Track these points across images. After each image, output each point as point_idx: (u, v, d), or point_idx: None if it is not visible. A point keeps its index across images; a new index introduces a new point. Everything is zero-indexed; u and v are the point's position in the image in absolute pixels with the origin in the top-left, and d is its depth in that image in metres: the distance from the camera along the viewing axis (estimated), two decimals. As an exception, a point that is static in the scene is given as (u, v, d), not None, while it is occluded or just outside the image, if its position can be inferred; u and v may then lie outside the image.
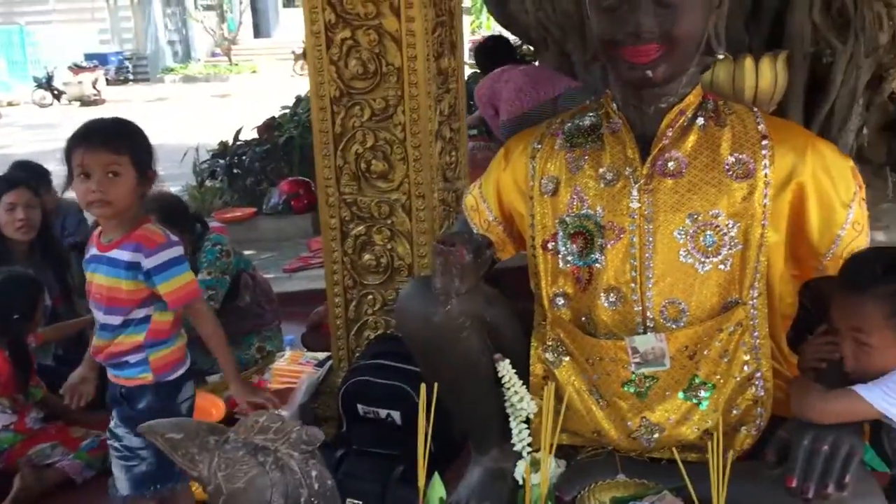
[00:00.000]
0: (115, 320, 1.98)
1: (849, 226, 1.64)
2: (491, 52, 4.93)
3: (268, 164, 6.03)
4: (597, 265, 1.69)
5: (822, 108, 4.46)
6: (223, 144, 6.36)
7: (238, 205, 6.03)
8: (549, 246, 1.75)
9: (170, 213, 3.23)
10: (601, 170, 1.70)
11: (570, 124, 1.79)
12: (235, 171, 6.18)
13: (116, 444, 1.99)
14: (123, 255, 1.95)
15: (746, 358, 1.66)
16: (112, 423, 2.03)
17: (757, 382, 1.67)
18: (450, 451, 2.19)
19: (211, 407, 2.81)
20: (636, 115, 1.69)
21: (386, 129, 2.40)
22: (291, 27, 27.31)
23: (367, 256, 2.50)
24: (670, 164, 1.66)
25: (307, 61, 2.48)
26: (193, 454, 1.21)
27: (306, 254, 5.01)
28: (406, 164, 2.40)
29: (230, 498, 1.17)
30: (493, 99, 4.41)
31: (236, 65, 23.09)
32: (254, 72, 22.40)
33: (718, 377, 1.66)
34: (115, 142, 1.94)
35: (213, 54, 25.04)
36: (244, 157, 6.14)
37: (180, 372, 2.05)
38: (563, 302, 1.76)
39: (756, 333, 1.67)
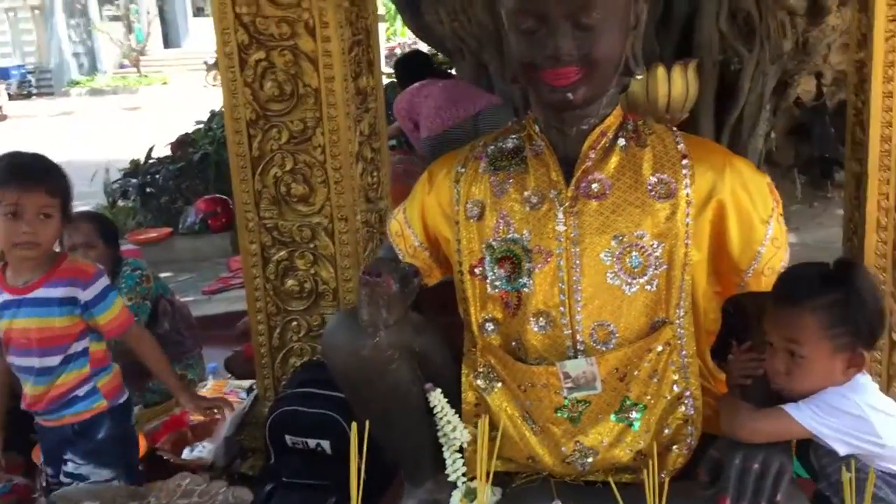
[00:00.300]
0: (54, 360, 1.96)
1: (768, 242, 1.66)
2: (410, 66, 4.91)
3: (182, 182, 5.87)
4: (525, 289, 1.67)
5: (731, 114, 4.60)
6: (135, 163, 6.18)
7: (152, 225, 5.85)
8: (477, 271, 1.73)
9: (106, 230, 3.17)
10: (526, 193, 1.69)
11: (493, 147, 1.78)
12: (149, 189, 6.00)
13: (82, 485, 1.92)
14: (54, 291, 1.95)
15: (675, 377, 1.67)
16: (69, 467, 1.97)
17: (686, 401, 1.68)
18: (382, 479, 2.15)
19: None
20: (558, 137, 1.69)
21: (305, 151, 2.35)
22: (202, 36, 26.77)
23: (290, 282, 2.44)
24: (594, 185, 1.65)
25: (221, 83, 2.40)
26: (112, 522, 1.14)
27: (226, 274, 4.89)
28: (327, 187, 2.35)
29: (154, 567, 1.11)
30: (412, 113, 4.39)
31: (146, 76, 22.54)
32: (164, 83, 21.91)
33: (649, 397, 1.67)
34: (50, 183, 1.94)
35: (121, 66, 24.37)
36: (157, 176, 5.97)
37: (126, 394, 2.11)
38: (492, 327, 1.74)
39: (684, 352, 1.68)
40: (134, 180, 6.09)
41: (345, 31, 2.30)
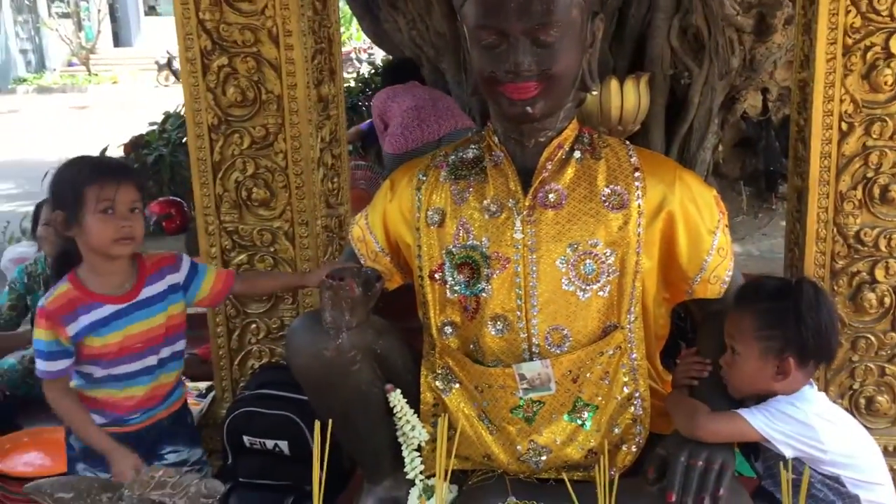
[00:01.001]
0: (156, 359, 2.01)
1: (714, 251, 1.75)
2: (397, 74, 4.85)
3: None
4: (483, 294, 1.73)
5: (681, 127, 4.74)
6: (87, 163, 6.11)
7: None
8: (437, 276, 1.79)
9: None
10: (485, 202, 1.75)
11: (453, 157, 1.84)
12: None
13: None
14: (157, 287, 1.99)
15: (626, 379, 1.75)
16: (171, 458, 2.05)
17: (636, 402, 1.76)
18: (339, 481, 2.19)
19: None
20: (517, 148, 1.75)
21: (267, 156, 2.37)
22: (154, 36, 26.42)
23: (249, 285, 2.47)
24: (551, 195, 1.72)
25: (182, 86, 2.42)
26: (86, 514, 1.17)
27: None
28: (288, 192, 2.39)
29: (128, 557, 1.15)
30: (384, 114, 4.43)
31: (95, 75, 22.14)
32: (114, 82, 21.55)
33: (600, 398, 1.74)
34: (136, 178, 1.99)
35: (70, 64, 23.90)
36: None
37: None
38: (451, 330, 1.80)
39: (634, 355, 1.76)
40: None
41: (308, 40, 2.34)
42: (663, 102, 4.66)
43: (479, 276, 1.74)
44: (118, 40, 27.61)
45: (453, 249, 1.76)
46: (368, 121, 5.45)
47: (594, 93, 1.80)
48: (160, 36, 25.56)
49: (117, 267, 1.95)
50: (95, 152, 6.23)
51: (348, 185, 2.67)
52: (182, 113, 6.80)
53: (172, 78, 21.00)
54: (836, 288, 2.13)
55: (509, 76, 1.63)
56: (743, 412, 1.64)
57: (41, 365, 1.90)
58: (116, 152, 6.23)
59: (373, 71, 10.41)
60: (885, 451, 2.10)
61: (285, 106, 2.33)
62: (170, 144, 5.96)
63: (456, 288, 1.77)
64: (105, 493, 1.18)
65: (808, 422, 1.62)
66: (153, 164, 5.92)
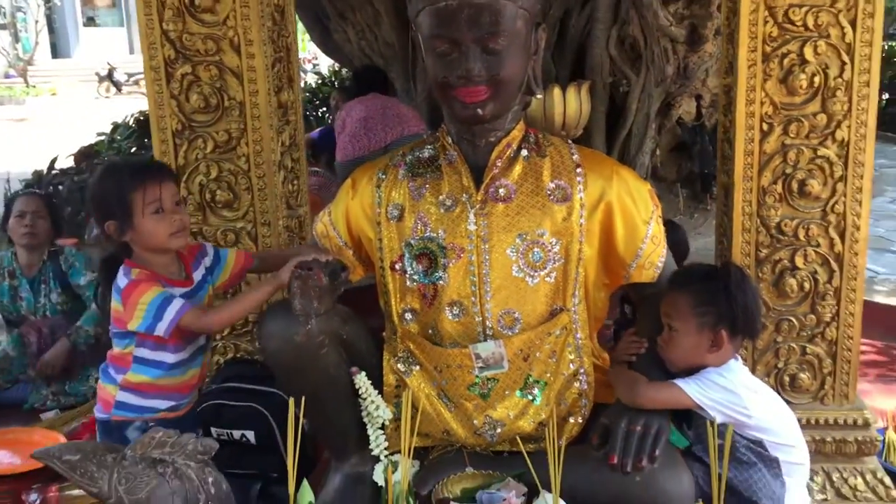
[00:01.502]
0: (201, 341, 2.13)
1: (648, 240, 1.93)
2: (362, 82, 4.90)
3: (87, 194, 5.81)
4: (441, 282, 1.88)
5: (621, 132, 4.95)
6: (38, 174, 6.07)
7: (58, 236, 5.75)
8: (397, 267, 1.93)
9: (53, 208, 3.50)
10: (441, 197, 1.90)
11: (410, 156, 1.99)
12: (53, 201, 5.89)
13: None
14: (200, 273, 2.11)
15: (571, 357, 1.92)
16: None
17: (581, 377, 1.93)
18: (304, 466, 2.30)
19: (51, 443, 2.74)
20: (469, 147, 1.91)
21: (230, 160, 2.49)
22: (93, 47, 26.06)
23: (214, 283, 2.58)
24: (501, 190, 1.88)
25: (147, 95, 2.52)
26: (92, 472, 1.28)
27: (134, 284, 4.89)
28: (251, 194, 2.50)
29: (133, 508, 1.26)
30: (343, 125, 4.54)
31: (33, 87, 21.75)
32: (53, 94, 21.21)
33: (549, 375, 1.90)
34: (172, 173, 2.12)
35: (7, 76, 23.44)
36: (61, 187, 5.89)
37: None
38: (411, 317, 1.94)
39: (578, 335, 1.93)
40: (37, 192, 5.98)
41: (268, 49, 2.46)
42: (604, 109, 4.86)
43: (437, 265, 1.88)
44: (56, 52, 27.14)
45: (412, 241, 1.91)
46: (318, 129, 5.57)
47: (538, 96, 1.97)
48: (100, 47, 25.25)
49: (168, 259, 2.05)
50: (38, 165, 6.23)
51: (306, 188, 2.80)
52: (131, 123, 6.85)
53: (114, 89, 20.78)
54: (760, 275, 2.32)
55: (461, 81, 1.78)
56: (678, 382, 1.82)
57: (169, 316, 1.93)
58: (66, 163, 6.22)
59: (319, 81, 10.50)
60: (808, 424, 2.29)
61: (247, 112, 2.45)
62: (121, 153, 5.98)
63: (415, 277, 1.91)
64: (110, 454, 1.30)
65: (735, 390, 1.80)
66: (103, 174, 5.92)
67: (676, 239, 3.17)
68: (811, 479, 2.28)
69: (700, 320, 1.82)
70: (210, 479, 1.32)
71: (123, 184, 1.98)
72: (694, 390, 1.80)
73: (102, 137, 6.67)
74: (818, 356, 2.34)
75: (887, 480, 2.32)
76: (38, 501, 2.33)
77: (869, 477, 2.32)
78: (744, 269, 1.98)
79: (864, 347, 3.52)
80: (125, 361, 2.02)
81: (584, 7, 4.81)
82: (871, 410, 2.38)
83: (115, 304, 1.98)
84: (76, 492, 2.36)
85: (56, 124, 14.01)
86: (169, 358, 2.02)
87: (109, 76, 20.71)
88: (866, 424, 2.33)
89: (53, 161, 5.94)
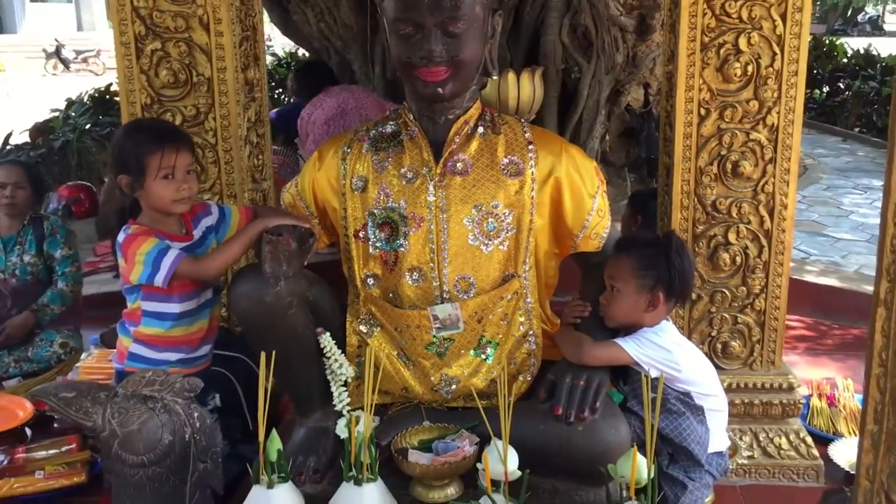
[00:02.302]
0: (208, 294, 2.21)
1: (594, 212, 2.08)
2: (311, 78, 4.90)
3: (43, 169, 5.81)
4: (401, 249, 2.02)
5: (572, 117, 5.10)
6: (-7, 148, 6.06)
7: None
8: (361, 234, 2.07)
9: (36, 177, 3.49)
10: (403, 170, 2.04)
11: (374, 132, 2.12)
12: (35, 169, 5.87)
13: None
14: (199, 231, 2.20)
15: (521, 319, 2.08)
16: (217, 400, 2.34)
17: (530, 339, 2.09)
18: (267, 424, 2.42)
19: (17, 408, 2.81)
20: (429, 124, 2.05)
21: (197, 134, 2.58)
22: (40, 23, 25.50)
23: (180, 253, 2.67)
24: (458, 164, 2.02)
25: (117, 69, 2.60)
26: (87, 408, 1.40)
27: (93, 258, 4.94)
28: (218, 167, 2.61)
29: (125, 438, 1.38)
30: (305, 127, 4.54)
31: (-21, 62, 21.25)
32: (2, 70, 20.73)
33: (501, 336, 2.06)
34: (190, 142, 2.18)
35: (-50, 50, 22.82)
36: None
37: None
38: (373, 281, 2.08)
39: (528, 300, 2.08)
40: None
41: (236, 27, 2.56)
42: (556, 94, 5.00)
43: (398, 233, 2.02)
44: (2, 27, 26.49)
45: (375, 211, 2.04)
46: (275, 110, 5.64)
47: (494, 77, 2.11)
48: (47, 23, 24.70)
49: (171, 217, 2.16)
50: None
51: (270, 163, 2.91)
52: (86, 100, 6.83)
53: (61, 66, 20.40)
54: (696, 249, 2.49)
55: (423, 61, 1.92)
56: (618, 340, 1.99)
57: (165, 265, 2.02)
58: (21, 138, 6.20)
59: (275, 62, 10.51)
60: (738, 388, 2.49)
61: (215, 88, 2.55)
62: (77, 130, 5.99)
63: (377, 244, 2.05)
64: (102, 391, 1.41)
65: (668, 347, 1.98)
66: (59, 150, 5.94)
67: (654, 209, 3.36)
68: (740, 438, 2.48)
69: (640, 282, 1.99)
70: (195, 414, 1.45)
71: (143, 145, 2.07)
72: (632, 348, 1.97)
73: (57, 114, 6.65)
74: (748, 325, 2.52)
75: (809, 440, 2.52)
76: (5, 462, 2.42)
77: (792, 437, 2.52)
78: (680, 239, 2.16)
79: (794, 323, 3.78)
80: (136, 316, 2.14)
81: (538, -5, 4.96)
82: (795, 376, 2.56)
83: (120, 260, 2.09)
84: (41, 453, 2.46)
85: (2, 100, 13.74)
86: (175, 308, 2.12)
87: (57, 53, 20.33)
88: (790, 388, 2.52)
89: (8, 136, 5.92)
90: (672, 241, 2.03)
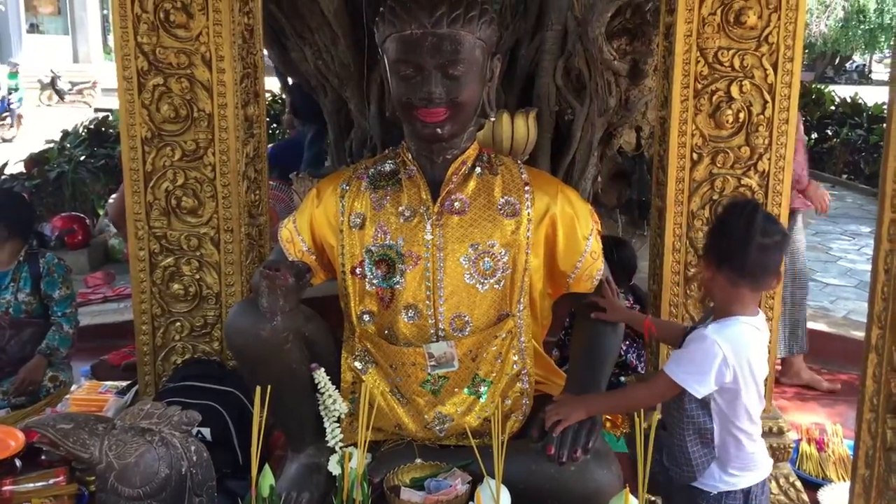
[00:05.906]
0: None
1: (587, 254, 2.11)
2: (305, 112, 4.89)
3: (38, 200, 5.83)
4: (398, 286, 2.04)
5: (565, 159, 5.14)
6: (-13, 179, 6.06)
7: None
8: (357, 271, 2.09)
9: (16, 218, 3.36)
10: (400, 208, 2.06)
11: (373, 170, 2.15)
12: (20, 199, 5.88)
13: None
14: None
15: (515, 358, 2.09)
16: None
17: (523, 378, 2.10)
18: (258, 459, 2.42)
19: (9, 439, 2.78)
20: (427, 163, 2.08)
21: (196, 168, 2.61)
22: (36, 55, 25.59)
23: (175, 286, 2.68)
24: (456, 203, 2.05)
25: (119, 103, 2.63)
26: (84, 439, 1.40)
27: (84, 289, 4.95)
28: (215, 201, 2.63)
29: (122, 471, 1.38)
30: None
31: (-26, 91, 21.26)
32: (-6, 100, 20.75)
33: (494, 374, 2.07)
34: None
35: (-54, 79, 22.86)
36: (13, 193, 5.90)
37: None
38: (368, 318, 2.10)
39: (522, 339, 2.10)
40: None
41: (237, 65, 2.60)
42: (549, 136, 5.04)
43: (395, 271, 2.04)
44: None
45: (372, 248, 2.06)
46: (270, 145, 5.70)
47: (492, 119, 2.15)
48: (43, 55, 24.80)
49: None
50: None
51: (267, 198, 2.93)
52: (81, 131, 6.86)
53: (56, 97, 20.45)
54: (688, 291, 2.52)
55: (423, 102, 1.96)
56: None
57: None
58: (15, 168, 6.22)
59: (270, 97, 10.57)
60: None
61: (215, 123, 2.58)
62: (71, 161, 6.01)
63: (374, 281, 2.06)
64: (100, 423, 1.41)
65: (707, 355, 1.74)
66: (55, 181, 5.96)
67: (627, 255, 3.41)
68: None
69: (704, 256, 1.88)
70: (192, 448, 1.45)
71: None
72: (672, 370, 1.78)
73: (52, 145, 6.67)
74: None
75: (798, 485, 2.53)
76: (-8, 495, 2.40)
77: (782, 481, 2.52)
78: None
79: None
80: None
81: (532, 39, 5.03)
82: (785, 420, 2.58)
83: None
84: (29, 485, 2.44)
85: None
86: None
87: (52, 84, 20.39)
88: (780, 432, 2.53)
89: (3, 167, 5.93)
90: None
